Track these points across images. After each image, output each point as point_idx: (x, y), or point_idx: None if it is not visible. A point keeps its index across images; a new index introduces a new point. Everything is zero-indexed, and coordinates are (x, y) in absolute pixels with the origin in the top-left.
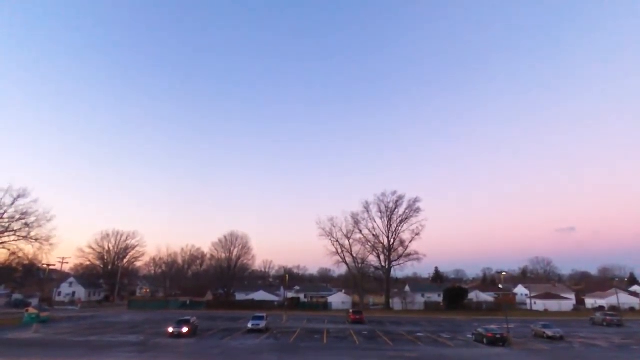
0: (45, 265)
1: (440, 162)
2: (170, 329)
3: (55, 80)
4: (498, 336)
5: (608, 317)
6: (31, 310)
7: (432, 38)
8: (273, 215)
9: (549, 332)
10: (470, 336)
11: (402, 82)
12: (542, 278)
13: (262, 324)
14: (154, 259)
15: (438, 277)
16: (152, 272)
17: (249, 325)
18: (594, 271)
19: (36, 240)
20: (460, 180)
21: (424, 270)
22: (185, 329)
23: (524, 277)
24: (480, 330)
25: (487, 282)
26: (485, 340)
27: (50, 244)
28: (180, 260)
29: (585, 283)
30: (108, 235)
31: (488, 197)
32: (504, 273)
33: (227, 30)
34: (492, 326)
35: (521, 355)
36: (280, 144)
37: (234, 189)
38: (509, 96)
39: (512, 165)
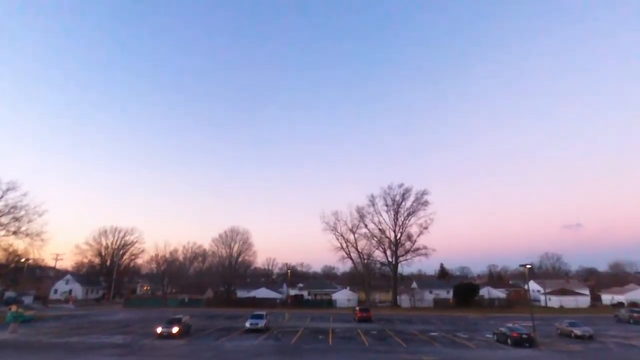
0: (29, 260)
1: (444, 158)
2: (159, 329)
3: (52, 74)
4: (524, 336)
5: (635, 314)
6: (14, 308)
7: (446, 26)
8: (276, 212)
9: (577, 331)
10: (490, 336)
11: (410, 73)
12: (551, 274)
13: (262, 323)
14: (156, 256)
15: (444, 274)
16: (154, 269)
17: (247, 325)
18: (600, 267)
19: (27, 235)
20: (464, 176)
21: (429, 267)
22: (175, 329)
23: (532, 273)
24: (502, 329)
25: (494, 278)
26: (509, 341)
27: (42, 239)
28: (181, 258)
29: (596, 279)
30: (106, 231)
31: (492, 193)
32: (528, 266)
33: (223, 19)
34: (513, 324)
35: (553, 357)
36: (283, 138)
37: (237, 185)
38: (518, 92)
39: (517, 160)
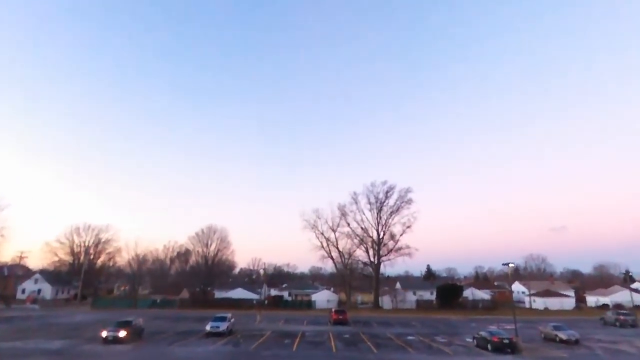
0: None
1: (431, 159)
2: (104, 333)
3: (22, 64)
4: (505, 341)
5: (622, 317)
6: None
7: (432, 24)
8: (263, 212)
9: (562, 335)
10: (470, 340)
11: (397, 71)
12: (536, 275)
13: (223, 327)
14: (137, 255)
15: (430, 275)
16: (134, 269)
17: (207, 328)
18: (584, 269)
19: None
20: (450, 179)
21: (415, 268)
22: (122, 333)
23: (517, 274)
24: (483, 333)
25: (480, 280)
26: (489, 346)
27: (2, 235)
28: (162, 257)
29: (580, 281)
30: (79, 228)
31: (479, 195)
32: (512, 265)
33: (212, 20)
34: (497, 327)
35: None
36: (269, 135)
37: (221, 183)
38: (504, 94)
39: (502, 163)
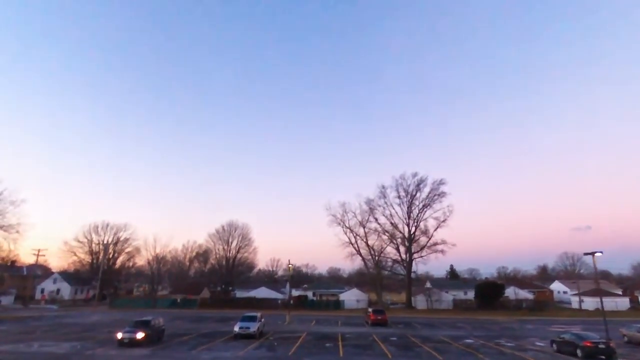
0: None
1: (451, 160)
2: (120, 335)
3: (40, 65)
4: (601, 346)
5: None
6: None
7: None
8: (281, 213)
9: None
10: (541, 344)
11: (426, 54)
12: (571, 275)
13: (253, 327)
14: (156, 256)
15: (454, 276)
16: (153, 269)
17: (236, 329)
18: (613, 269)
19: (0, 227)
20: (471, 179)
21: (437, 269)
22: (140, 335)
23: (547, 274)
24: (567, 337)
25: (510, 280)
26: (580, 352)
27: (17, 232)
28: (181, 257)
29: (614, 280)
30: (97, 227)
31: (500, 195)
32: (598, 254)
33: (227, 16)
34: (577, 329)
35: None
36: (288, 133)
37: (239, 184)
38: (531, 92)
39: (525, 162)
